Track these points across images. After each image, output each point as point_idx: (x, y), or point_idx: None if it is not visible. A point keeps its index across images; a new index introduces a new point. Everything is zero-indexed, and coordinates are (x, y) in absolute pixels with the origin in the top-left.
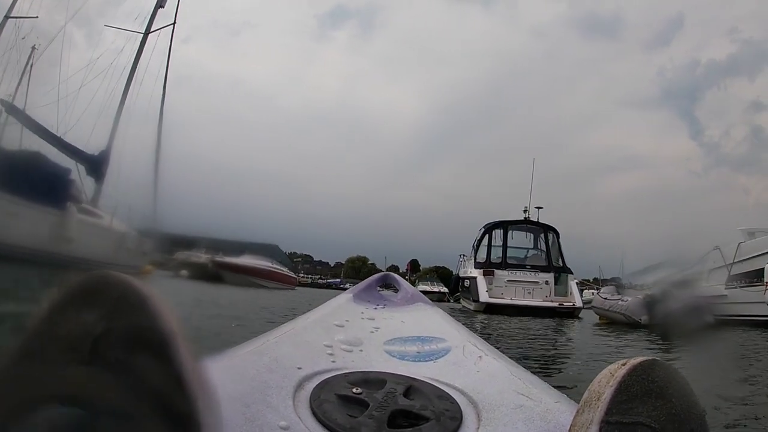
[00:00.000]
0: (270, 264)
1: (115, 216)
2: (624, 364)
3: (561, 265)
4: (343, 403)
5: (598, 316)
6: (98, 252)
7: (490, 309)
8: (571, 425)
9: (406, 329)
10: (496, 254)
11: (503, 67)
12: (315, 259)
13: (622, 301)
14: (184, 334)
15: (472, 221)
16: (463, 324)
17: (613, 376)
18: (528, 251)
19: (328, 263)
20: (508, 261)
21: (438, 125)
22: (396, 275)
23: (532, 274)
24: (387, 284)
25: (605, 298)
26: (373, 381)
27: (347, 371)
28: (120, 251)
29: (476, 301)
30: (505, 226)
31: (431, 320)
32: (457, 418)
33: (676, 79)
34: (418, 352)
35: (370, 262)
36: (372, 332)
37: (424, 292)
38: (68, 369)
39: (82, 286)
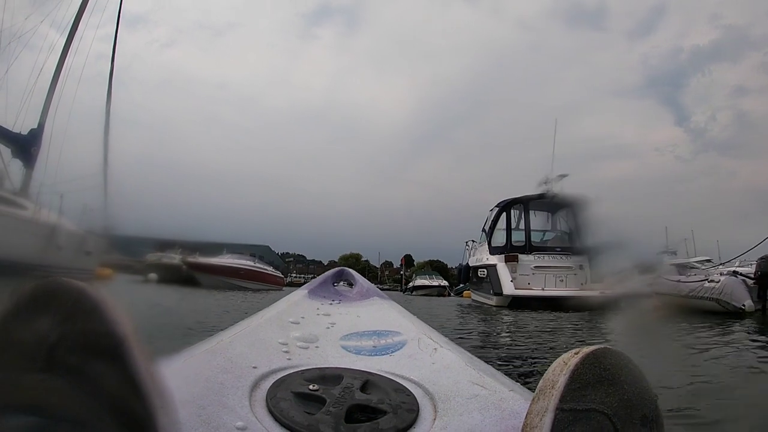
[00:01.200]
0: (252, 263)
1: (43, 206)
2: (577, 353)
3: (594, 246)
4: (300, 400)
5: (651, 306)
6: (12, 249)
7: (517, 303)
8: (528, 413)
9: (361, 324)
10: (516, 237)
11: (490, 60)
12: (308, 259)
13: (709, 282)
14: (138, 337)
15: (464, 214)
16: (488, 324)
17: (566, 364)
18: (544, 233)
19: (321, 262)
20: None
21: (427, 119)
22: (351, 270)
23: (563, 257)
24: (343, 279)
25: (678, 281)
26: (329, 377)
27: (303, 368)
28: (49, 249)
29: (498, 294)
30: (525, 202)
31: (387, 314)
32: (414, 410)
33: (660, 66)
34: (374, 347)
35: (363, 259)
36: (328, 328)
37: (423, 287)
38: (25, 376)
39: (34, 293)
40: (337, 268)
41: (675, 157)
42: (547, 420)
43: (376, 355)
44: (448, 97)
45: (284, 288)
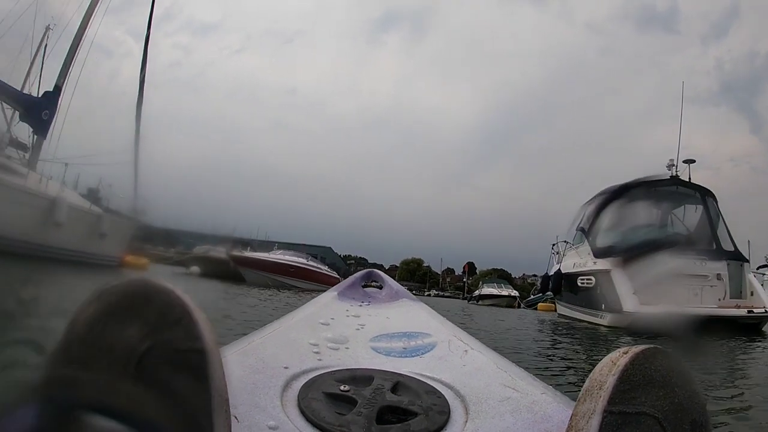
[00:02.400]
0: (305, 261)
1: (46, 176)
2: (626, 353)
3: (733, 248)
4: (331, 401)
5: None
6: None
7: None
8: (573, 414)
9: (391, 325)
10: (628, 236)
11: (558, 64)
12: (370, 262)
13: None
14: (218, 351)
15: (529, 223)
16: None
17: (615, 364)
18: (670, 225)
19: (382, 266)
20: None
21: (493, 125)
22: (380, 272)
23: (696, 264)
24: (372, 281)
25: None
26: (360, 378)
27: (334, 369)
28: (47, 226)
29: (615, 311)
30: (645, 187)
31: (416, 316)
32: (445, 412)
33: (734, 71)
34: (404, 348)
35: (425, 264)
36: (357, 329)
37: (490, 296)
38: (119, 383)
39: (124, 295)
40: (365, 270)
41: (751, 168)
42: (594, 422)
43: (407, 356)
44: (514, 102)
45: None
